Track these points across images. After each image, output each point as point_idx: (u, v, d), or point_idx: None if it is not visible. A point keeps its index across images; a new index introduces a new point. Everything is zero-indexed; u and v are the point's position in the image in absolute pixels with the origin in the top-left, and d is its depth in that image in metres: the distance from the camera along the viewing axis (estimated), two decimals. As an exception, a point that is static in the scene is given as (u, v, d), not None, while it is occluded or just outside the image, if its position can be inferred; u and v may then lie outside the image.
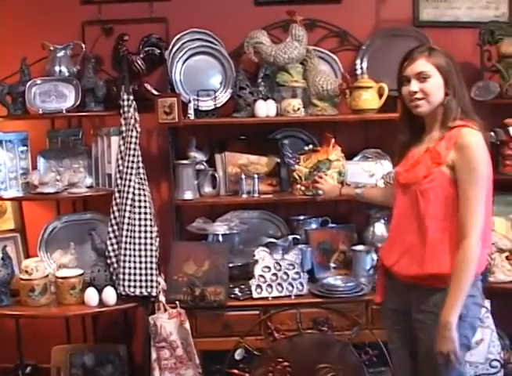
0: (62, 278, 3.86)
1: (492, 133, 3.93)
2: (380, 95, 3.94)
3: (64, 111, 3.94)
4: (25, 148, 4.06)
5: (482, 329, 3.71)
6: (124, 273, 3.81)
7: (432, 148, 2.78)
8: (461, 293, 2.66)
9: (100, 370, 4.16)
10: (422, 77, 2.79)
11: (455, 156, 2.70)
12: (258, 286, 3.81)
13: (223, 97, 4.09)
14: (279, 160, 4.19)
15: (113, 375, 4.14)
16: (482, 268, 2.84)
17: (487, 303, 3.76)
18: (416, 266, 2.79)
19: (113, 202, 3.87)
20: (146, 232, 3.82)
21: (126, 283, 3.81)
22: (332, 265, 4.11)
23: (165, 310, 3.76)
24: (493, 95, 3.96)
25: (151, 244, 3.83)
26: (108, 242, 3.88)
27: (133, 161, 3.82)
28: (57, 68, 4.03)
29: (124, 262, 3.81)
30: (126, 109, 3.83)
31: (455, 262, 2.67)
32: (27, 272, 3.84)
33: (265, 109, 3.97)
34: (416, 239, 2.81)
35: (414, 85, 2.80)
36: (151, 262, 3.82)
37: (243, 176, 4.06)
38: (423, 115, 2.86)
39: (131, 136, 3.81)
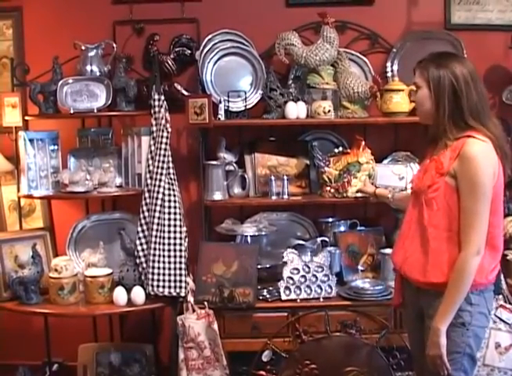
0: (91, 277, 3.88)
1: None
2: (411, 99, 3.92)
3: (95, 111, 3.96)
4: (56, 147, 4.09)
5: (511, 335, 3.69)
6: (152, 273, 3.81)
7: (437, 158, 2.82)
8: (454, 304, 2.72)
9: (127, 370, 4.15)
10: (415, 88, 2.90)
11: (457, 166, 2.73)
12: (287, 288, 3.80)
13: (253, 98, 4.08)
14: (308, 162, 4.18)
15: (139, 375, 4.14)
16: (491, 278, 2.84)
17: (515, 309, 3.74)
18: (418, 274, 2.85)
19: (143, 202, 3.88)
20: (175, 232, 3.83)
21: (155, 283, 3.81)
22: (360, 268, 4.10)
23: (193, 311, 3.76)
24: (525, 100, 3.94)
25: (180, 244, 3.83)
26: (137, 242, 3.90)
27: (163, 161, 3.82)
28: (88, 67, 4.05)
29: (153, 261, 3.81)
30: (157, 109, 3.84)
31: (452, 272, 2.71)
32: (56, 270, 3.87)
33: (296, 111, 3.96)
34: (419, 246, 2.85)
35: (413, 95, 2.98)
36: (180, 263, 3.82)
37: (272, 178, 4.05)
38: (426, 124, 2.93)
39: (162, 136, 3.82)
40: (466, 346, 2.79)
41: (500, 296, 3.71)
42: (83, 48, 4.05)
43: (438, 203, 2.77)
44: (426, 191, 2.81)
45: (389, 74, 4.17)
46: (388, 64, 4.18)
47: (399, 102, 3.92)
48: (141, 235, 3.90)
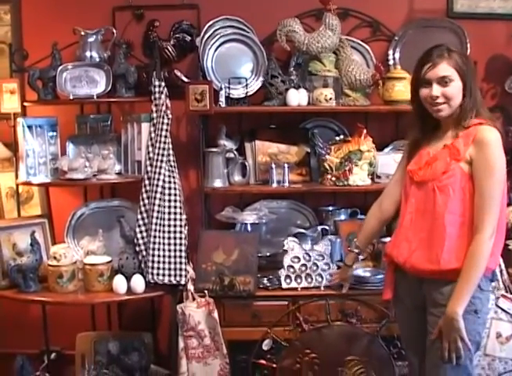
0: (90, 265, 3.84)
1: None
2: (413, 87, 3.88)
3: (95, 97, 3.92)
4: (54, 133, 4.06)
5: (512, 324, 3.69)
6: (152, 261, 3.78)
7: (451, 145, 2.80)
8: (470, 286, 2.69)
9: (125, 358, 4.10)
10: (444, 81, 2.79)
11: (473, 151, 2.73)
12: (287, 276, 3.78)
13: (254, 85, 4.04)
14: (309, 150, 4.15)
15: (138, 363, 4.09)
16: (495, 265, 2.86)
17: (516, 298, 3.73)
18: (429, 263, 2.80)
19: (143, 189, 3.84)
20: (175, 219, 3.79)
21: (155, 271, 3.78)
22: (361, 256, 4.06)
23: (193, 299, 3.74)
24: (527, 89, 3.92)
25: (180, 232, 3.80)
26: (137, 229, 3.86)
27: (164, 148, 3.78)
28: (88, 53, 4.01)
29: (153, 249, 3.78)
30: (157, 95, 3.80)
31: (466, 255, 2.70)
32: (55, 258, 3.83)
33: (297, 98, 3.93)
34: (430, 235, 2.82)
35: (436, 90, 2.80)
36: (180, 251, 3.79)
37: (273, 165, 4.02)
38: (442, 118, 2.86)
39: (163, 123, 3.78)
40: (476, 334, 2.78)
41: (502, 285, 3.71)
42: (82, 33, 4.01)
43: (453, 188, 2.75)
44: (439, 178, 2.78)
45: (391, 62, 4.14)
46: (390, 52, 4.15)
47: (401, 90, 3.89)
48: (141, 223, 3.86)
